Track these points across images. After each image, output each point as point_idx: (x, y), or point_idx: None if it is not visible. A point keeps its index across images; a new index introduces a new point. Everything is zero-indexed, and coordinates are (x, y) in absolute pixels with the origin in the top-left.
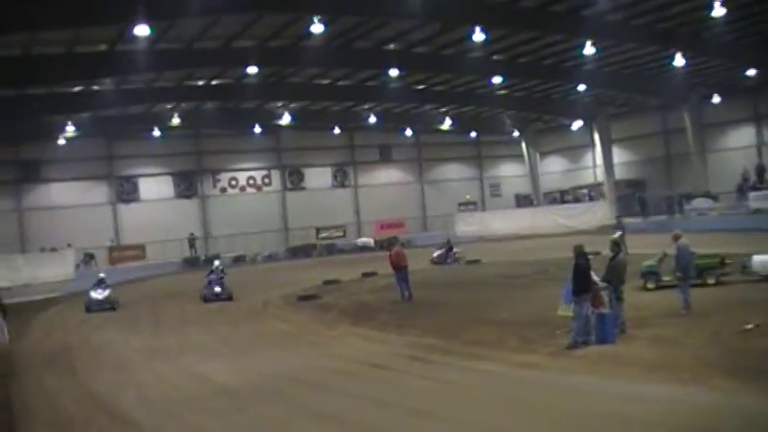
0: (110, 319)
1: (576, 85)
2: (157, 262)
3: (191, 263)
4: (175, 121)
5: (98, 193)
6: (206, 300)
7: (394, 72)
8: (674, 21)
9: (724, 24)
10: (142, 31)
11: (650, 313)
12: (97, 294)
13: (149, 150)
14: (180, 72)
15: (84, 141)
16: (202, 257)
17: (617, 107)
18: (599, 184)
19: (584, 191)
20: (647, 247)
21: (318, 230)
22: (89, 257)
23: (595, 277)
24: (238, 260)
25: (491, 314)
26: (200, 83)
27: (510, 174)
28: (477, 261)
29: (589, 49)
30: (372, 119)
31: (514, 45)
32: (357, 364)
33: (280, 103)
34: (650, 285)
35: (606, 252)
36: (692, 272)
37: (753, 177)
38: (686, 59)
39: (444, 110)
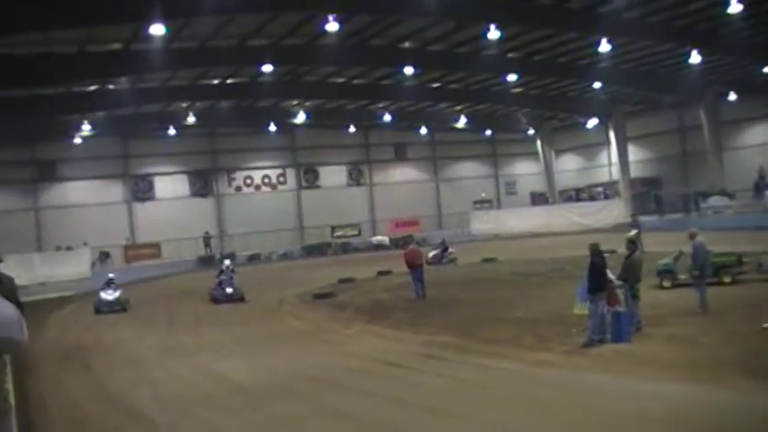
0: (124, 317)
1: (592, 83)
2: (172, 260)
3: (206, 261)
4: (190, 119)
5: (113, 191)
6: (216, 301)
7: (409, 70)
8: (691, 18)
9: (741, 21)
10: (157, 29)
11: (666, 312)
12: (107, 295)
13: (165, 149)
14: (195, 71)
15: (99, 140)
16: (217, 256)
17: (632, 105)
18: (614, 182)
19: (600, 189)
20: (662, 245)
21: (333, 229)
22: (105, 256)
23: (611, 275)
24: (253, 259)
25: (506, 312)
26: (216, 81)
27: (525, 172)
28: (492, 259)
29: (605, 47)
30: (387, 117)
31: (529, 42)
32: (372, 363)
33: (295, 102)
34: (666, 284)
35: (622, 250)
36: (709, 270)
37: None
38: (702, 57)
39: (459, 108)
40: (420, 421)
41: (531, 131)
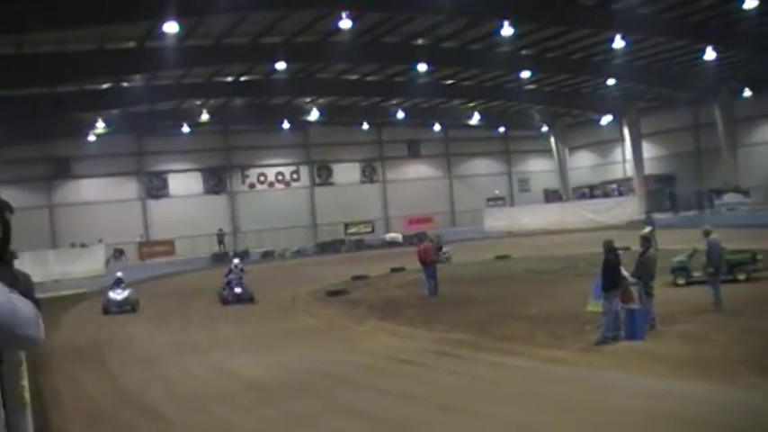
0: (138, 314)
1: (606, 80)
2: (186, 258)
3: (219, 259)
4: (204, 117)
5: (128, 188)
6: (225, 302)
7: (422, 67)
8: (705, 14)
9: (756, 17)
10: (171, 27)
11: (680, 309)
12: (115, 295)
13: (179, 146)
14: (209, 68)
15: (113, 138)
16: (231, 253)
17: (647, 101)
18: (628, 179)
19: (614, 186)
20: (677, 242)
21: (347, 226)
22: (119, 253)
23: (625, 273)
24: (267, 256)
25: (520, 309)
26: (229, 79)
27: (539, 169)
28: (506, 256)
29: (618, 43)
30: (401, 114)
31: (543, 39)
32: (385, 360)
33: (308, 99)
34: (680, 281)
35: (636, 247)
36: (723, 268)
37: None
38: (717, 53)
39: (472, 105)
40: (433, 418)
41: (545, 128)
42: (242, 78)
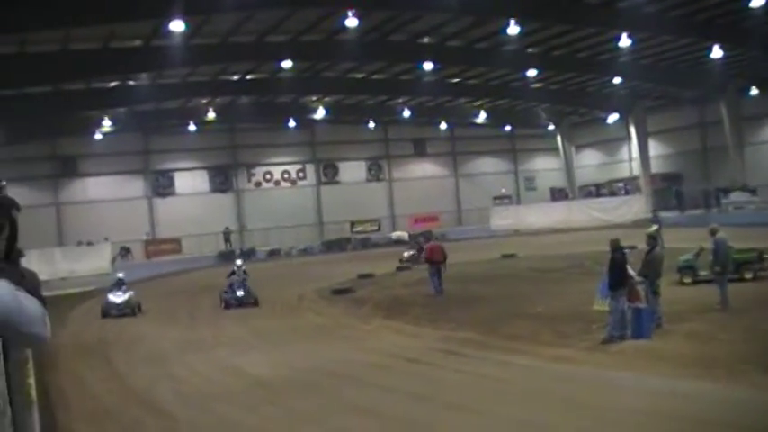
0: (144, 312)
1: (612, 78)
2: (193, 256)
3: (226, 257)
4: (211, 115)
5: (134, 187)
6: (227, 305)
7: (428, 65)
8: (712, 12)
9: (763, 15)
10: (177, 26)
11: (686, 308)
12: (115, 297)
13: (185, 145)
14: (215, 67)
15: (120, 136)
16: (237, 251)
17: (653, 100)
18: (635, 178)
19: (620, 184)
20: (683, 241)
21: (353, 224)
22: (125, 251)
23: (632, 271)
24: (273, 254)
25: (526, 308)
26: (235, 77)
27: (545, 167)
28: (512, 255)
29: (625, 42)
30: (407, 113)
31: (549, 38)
32: (392, 358)
33: (314, 98)
34: (687, 280)
35: (642, 246)
36: (730, 266)
37: None
38: (723, 51)
39: (479, 103)
40: (439, 417)
41: (551, 127)
42: (248, 77)
